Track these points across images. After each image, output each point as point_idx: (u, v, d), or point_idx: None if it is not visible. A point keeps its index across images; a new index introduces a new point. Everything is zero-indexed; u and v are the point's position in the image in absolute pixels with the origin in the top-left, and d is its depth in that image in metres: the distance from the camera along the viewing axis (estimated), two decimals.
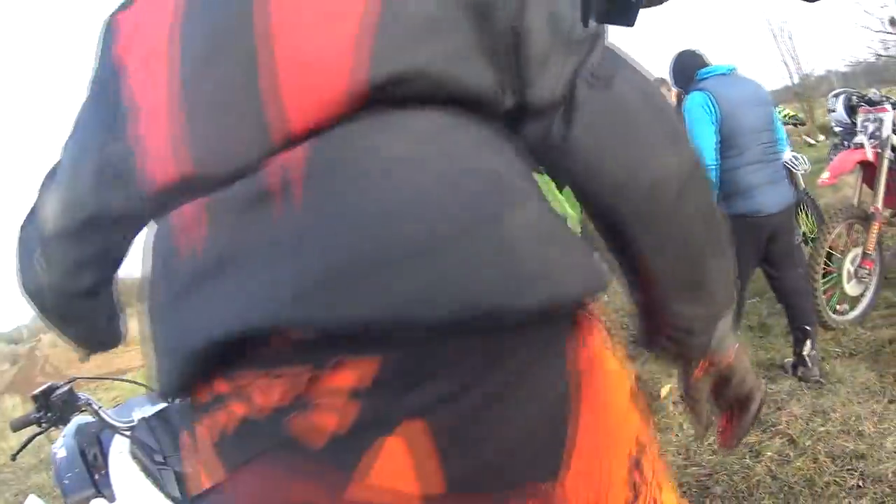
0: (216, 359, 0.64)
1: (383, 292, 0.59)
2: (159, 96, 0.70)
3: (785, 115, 5.29)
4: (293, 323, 0.60)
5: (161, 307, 0.71)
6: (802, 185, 4.67)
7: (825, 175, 3.87)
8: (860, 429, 2.72)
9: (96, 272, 0.90)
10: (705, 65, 3.39)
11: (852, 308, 3.90)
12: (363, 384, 0.60)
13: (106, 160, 0.78)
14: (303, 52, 0.64)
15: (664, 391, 3.46)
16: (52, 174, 0.89)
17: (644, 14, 0.72)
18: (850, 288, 3.86)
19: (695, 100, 3.20)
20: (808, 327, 3.30)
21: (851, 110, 4.45)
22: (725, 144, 3.16)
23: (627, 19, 0.68)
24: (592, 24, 0.69)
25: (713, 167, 3.12)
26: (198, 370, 0.66)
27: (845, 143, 5.55)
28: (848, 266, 3.84)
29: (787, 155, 4.70)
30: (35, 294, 0.93)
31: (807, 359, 3.27)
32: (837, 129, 5.54)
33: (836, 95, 4.76)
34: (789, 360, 3.44)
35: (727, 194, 3.17)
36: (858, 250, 3.86)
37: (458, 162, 0.64)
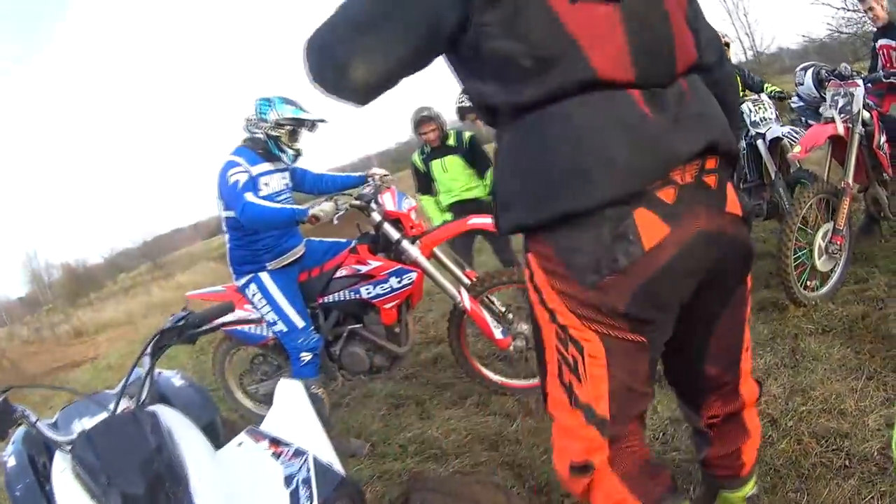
0: (674, 165, 1.31)
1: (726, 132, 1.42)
2: (602, 11, 1.24)
3: (771, 90, 5.23)
4: (721, 144, 1.38)
5: (649, 128, 1.27)
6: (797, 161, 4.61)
7: (796, 149, 3.82)
8: (841, 407, 2.68)
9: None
10: None
11: (822, 284, 3.87)
12: (715, 167, 1.37)
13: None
14: (681, 28, 1.36)
15: None
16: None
17: None
18: (821, 264, 3.83)
19: None
20: None
21: (820, 84, 4.41)
22: None
23: None
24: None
25: None
26: (664, 171, 1.30)
27: (802, 118, 5.56)
28: (819, 241, 3.80)
29: (784, 129, 4.65)
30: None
31: None
32: (794, 105, 5.53)
33: (805, 69, 4.74)
34: None
35: None
36: (829, 226, 3.82)
37: (715, 101, 1.46)
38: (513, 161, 1.33)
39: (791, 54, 25.88)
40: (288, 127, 3.54)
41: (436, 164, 5.03)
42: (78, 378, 9.61)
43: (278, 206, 3.36)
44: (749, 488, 1.79)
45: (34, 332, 21.13)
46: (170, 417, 1.68)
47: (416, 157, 5.19)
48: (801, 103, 5.62)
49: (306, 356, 3.60)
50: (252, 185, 3.39)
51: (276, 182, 3.61)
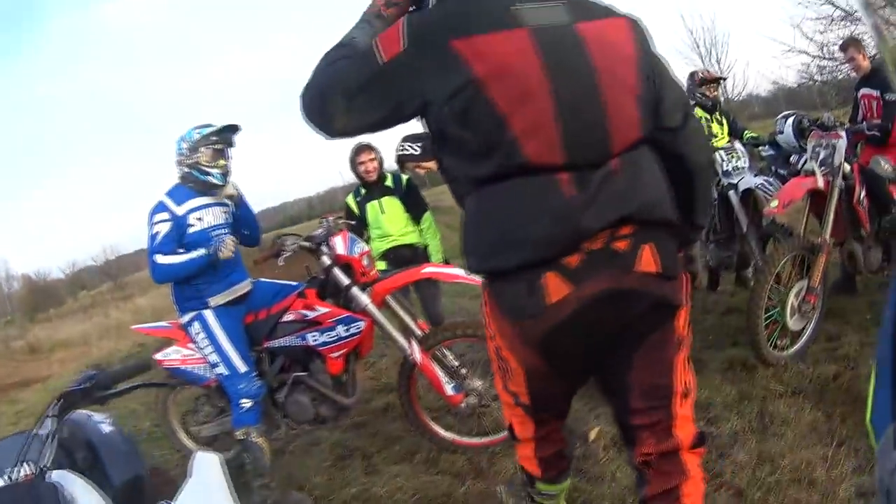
0: (580, 238, 1.52)
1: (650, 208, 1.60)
2: (542, 110, 1.49)
3: (748, 137, 5.14)
4: (638, 214, 1.56)
5: (564, 208, 1.50)
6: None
7: (773, 203, 3.68)
8: (812, 476, 2.55)
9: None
10: None
11: (793, 343, 3.73)
12: (630, 233, 1.56)
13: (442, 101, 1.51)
14: (621, 111, 1.56)
15: (593, 434, 3.24)
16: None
17: None
18: (793, 323, 3.68)
19: None
20: None
21: (801, 133, 4.32)
22: None
23: None
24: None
25: None
26: (575, 241, 1.52)
27: (772, 167, 5.49)
28: (792, 300, 3.66)
29: (757, 179, 4.51)
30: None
31: None
32: (765, 153, 5.44)
33: (786, 117, 4.64)
34: None
35: None
36: (803, 283, 3.69)
37: (658, 171, 1.64)
38: (470, 221, 1.64)
39: (760, 101, 26.34)
40: (202, 149, 3.40)
41: (372, 207, 4.71)
42: (27, 398, 9.27)
43: (186, 257, 3.28)
44: None
45: None
46: (74, 488, 1.57)
47: (351, 200, 4.87)
48: (772, 152, 5.52)
49: (246, 402, 3.38)
50: (168, 238, 3.31)
51: (211, 216, 3.45)
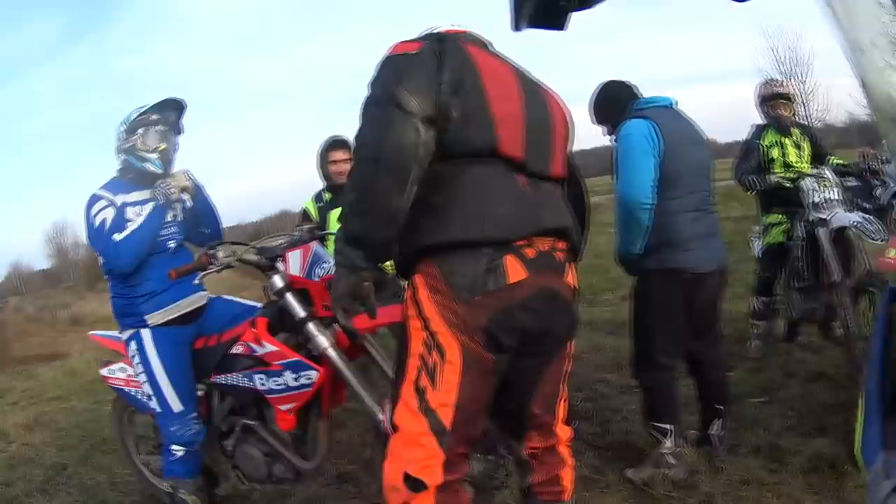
0: (536, 232, 1.72)
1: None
2: (515, 113, 1.74)
3: (834, 163, 4.22)
4: (569, 234, 1.83)
5: (525, 196, 1.73)
6: (868, 261, 3.58)
7: (891, 253, 2.80)
8: None
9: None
10: (636, 96, 3.01)
11: None
12: (564, 248, 1.82)
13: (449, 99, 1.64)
14: (558, 150, 1.87)
15: None
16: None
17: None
18: None
19: (636, 127, 2.75)
20: (721, 407, 3.01)
21: None
22: (663, 185, 2.71)
23: (558, 23, 0.85)
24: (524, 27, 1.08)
25: (647, 207, 2.71)
26: (532, 231, 1.71)
27: (856, 199, 4.56)
28: None
29: (853, 216, 3.64)
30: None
31: (715, 438, 2.99)
32: (849, 184, 4.48)
33: None
34: (693, 431, 3.05)
35: (659, 243, 2.74)
36: None
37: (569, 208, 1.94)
38: (437, 197, 1.69)
39: (837, 131, 24.70)
40: (139, 130, 2.77)
41: (334, 216, 3.90)
42: (42, 374, 8.85)
43: (140, 220, 2.69)
44: None
45: (39, 309, 20.72)
46: None
47: (310, 205, 4.14)
48: (857, 183, 4.78)
49: (178, 450, 2.73)
50: (118, 222, 2.67)
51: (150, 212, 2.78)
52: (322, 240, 2.90)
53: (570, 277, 1.85)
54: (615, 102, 3.01)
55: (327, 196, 4.06)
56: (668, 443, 2.83)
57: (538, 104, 1.82)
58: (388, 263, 3.53)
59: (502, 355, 1.72)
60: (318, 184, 4.19)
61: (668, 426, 2.85)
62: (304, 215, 4.10)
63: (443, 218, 1.66)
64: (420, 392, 1.69)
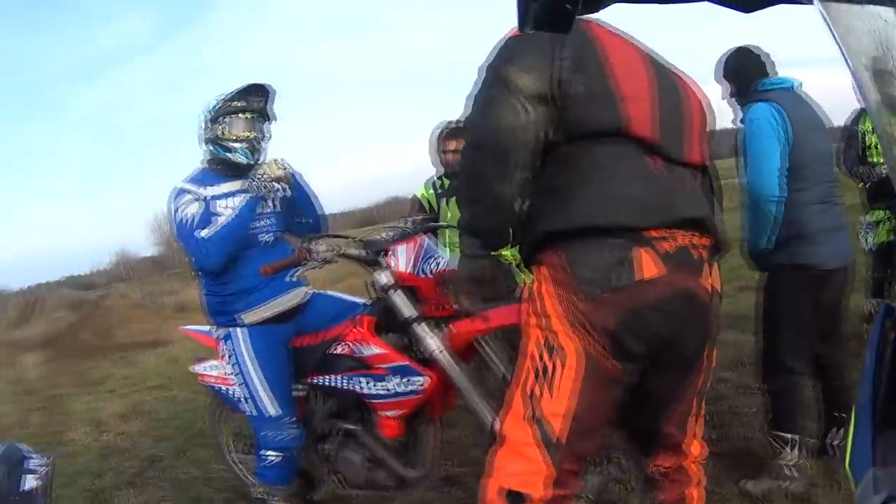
0: (673, 222, 1.55)
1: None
2: (643, 91, 1.59)
3: None
4: (710, 228, 1.63)
5: (657, 179, 1.57)
6: None
7: None
8: None
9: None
10: (766, 74, 2.81)
11: None
12: (705, 244, 1.62)
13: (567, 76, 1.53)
14: (692, 137, 1.67)
15: None
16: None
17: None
18: None
19: (762, 111, 2.62)
20: (843, 415, 2.81)
21: None
22: (789, 175, 2.59)
23: (562, 26, 0.83)
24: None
25: (776, 199, 2.58)
26: (666, 218, 1.55)
27: None
28: None
29: None
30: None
31: (834, 449, 2.83)
32: None
33: None
34: (813, 440, 2.84)
35: (788, 237, 2.62)
36: None
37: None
38: (561, 181, 1.58)
39: None
40: (222, 119, 2.65)
41: (452, 205, 3.70)
42: (143, 361, 8.96)
43: (228, 215, 2.57)
44: None
45: (144, 296, 21.15)
46: None
47: (425, 191, 3.95)
48: None
49: (273, 456, 2.65)
50: (205, 216, 2.56)
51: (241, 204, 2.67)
52: (434, 232, 2.77)
53: (711, 279, 1.65)
54: (737, 73, 2.87)
55: (444, 183, 3.89)
56: (790, 454, 2.68)
57: (669, 86, 1.67)
58: (507, 252, 3.47)
59: (629, 364, 1.56)
60: (430, 170, 4.03)
61: (791, 436, 2.70)
62: (417, 204, 3.93)
63: (565, 200, 1.55)
64: (530, 398, 1.56)
